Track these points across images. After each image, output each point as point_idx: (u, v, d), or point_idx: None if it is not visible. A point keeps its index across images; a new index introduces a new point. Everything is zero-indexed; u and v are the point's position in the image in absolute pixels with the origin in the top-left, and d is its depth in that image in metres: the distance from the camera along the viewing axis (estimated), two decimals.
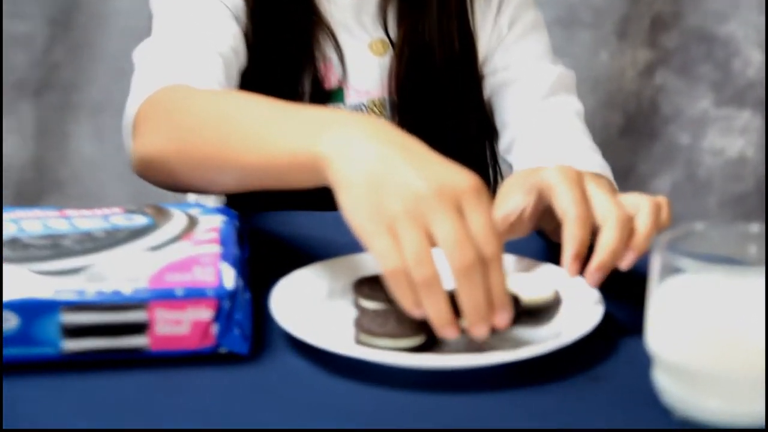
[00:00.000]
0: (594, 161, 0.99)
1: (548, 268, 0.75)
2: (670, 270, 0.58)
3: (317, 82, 1.02)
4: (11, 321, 0.63)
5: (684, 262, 0.57)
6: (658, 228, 0.70)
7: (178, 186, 0.82)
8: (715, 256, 0.59)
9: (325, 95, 1.03)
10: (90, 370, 0.63)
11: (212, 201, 1.11)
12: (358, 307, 0.71)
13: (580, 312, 0.69)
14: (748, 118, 1.95)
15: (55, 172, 2.02)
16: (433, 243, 0.61)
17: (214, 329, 0.65)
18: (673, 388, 0.59)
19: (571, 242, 0.68)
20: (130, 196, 1.89)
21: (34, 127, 2.01)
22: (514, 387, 0.63)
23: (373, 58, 1.05)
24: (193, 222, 0.75)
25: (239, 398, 0.61)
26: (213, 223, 0.75)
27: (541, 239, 0.82)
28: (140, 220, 0.74)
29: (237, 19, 0.98)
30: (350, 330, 0.68)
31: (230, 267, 0.67)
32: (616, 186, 0.96)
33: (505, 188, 0.77)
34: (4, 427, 0.58)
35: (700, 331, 0.57)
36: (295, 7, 1.02)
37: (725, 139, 1.95)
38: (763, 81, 1.93)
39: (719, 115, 1.95)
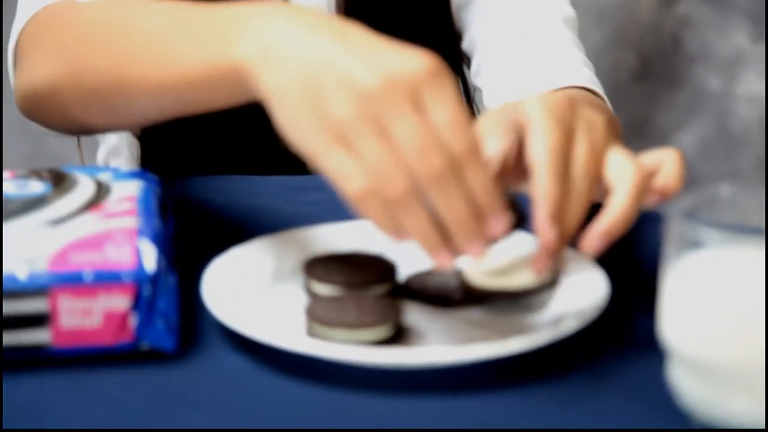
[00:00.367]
0: (583, 76, 0.99)
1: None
2: (688, 244, 0.58)
3: None
4: None
5: (706, 233, 0.58)
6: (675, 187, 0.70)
7: (73, 124, 0.82)
8: (744, 226, 0.59)
9: None
10: None
11: (126, 162, 1.12)
12: (309, 292, 0.72)
13: (581, 296, 0.70)
14: None
15: None
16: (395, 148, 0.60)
17: (133, 321, 0.65)
18: (693, 387, 0.60)
19: (542, 200, 0.65)
20: (22, 159, 1.88)
21: None
22: (501, 387, 0.64)
23: None
24: (103, 189, 0.75)
25: (164, 405, 0.62)
26: (128, 190, 0.75)
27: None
28: (36, 188, 0.74)
29: None
30: (300, 321, 0.69)
31: (151, 244, 0.68)
32: (618, 121, 0.96)
33: (478, 129, 0.75)
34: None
35: (724, 318, 0.58)
36: None
37: (764, 83, 1.97)
38: None
39: (757, 53, 1.96)
